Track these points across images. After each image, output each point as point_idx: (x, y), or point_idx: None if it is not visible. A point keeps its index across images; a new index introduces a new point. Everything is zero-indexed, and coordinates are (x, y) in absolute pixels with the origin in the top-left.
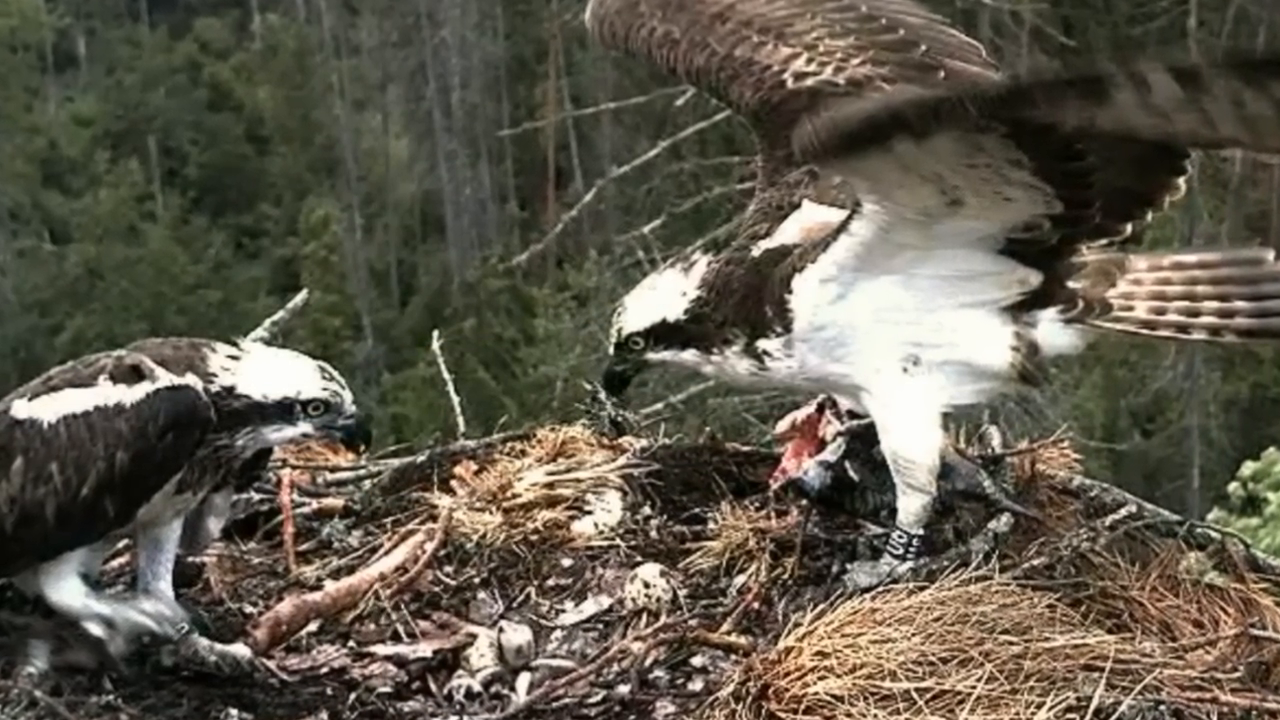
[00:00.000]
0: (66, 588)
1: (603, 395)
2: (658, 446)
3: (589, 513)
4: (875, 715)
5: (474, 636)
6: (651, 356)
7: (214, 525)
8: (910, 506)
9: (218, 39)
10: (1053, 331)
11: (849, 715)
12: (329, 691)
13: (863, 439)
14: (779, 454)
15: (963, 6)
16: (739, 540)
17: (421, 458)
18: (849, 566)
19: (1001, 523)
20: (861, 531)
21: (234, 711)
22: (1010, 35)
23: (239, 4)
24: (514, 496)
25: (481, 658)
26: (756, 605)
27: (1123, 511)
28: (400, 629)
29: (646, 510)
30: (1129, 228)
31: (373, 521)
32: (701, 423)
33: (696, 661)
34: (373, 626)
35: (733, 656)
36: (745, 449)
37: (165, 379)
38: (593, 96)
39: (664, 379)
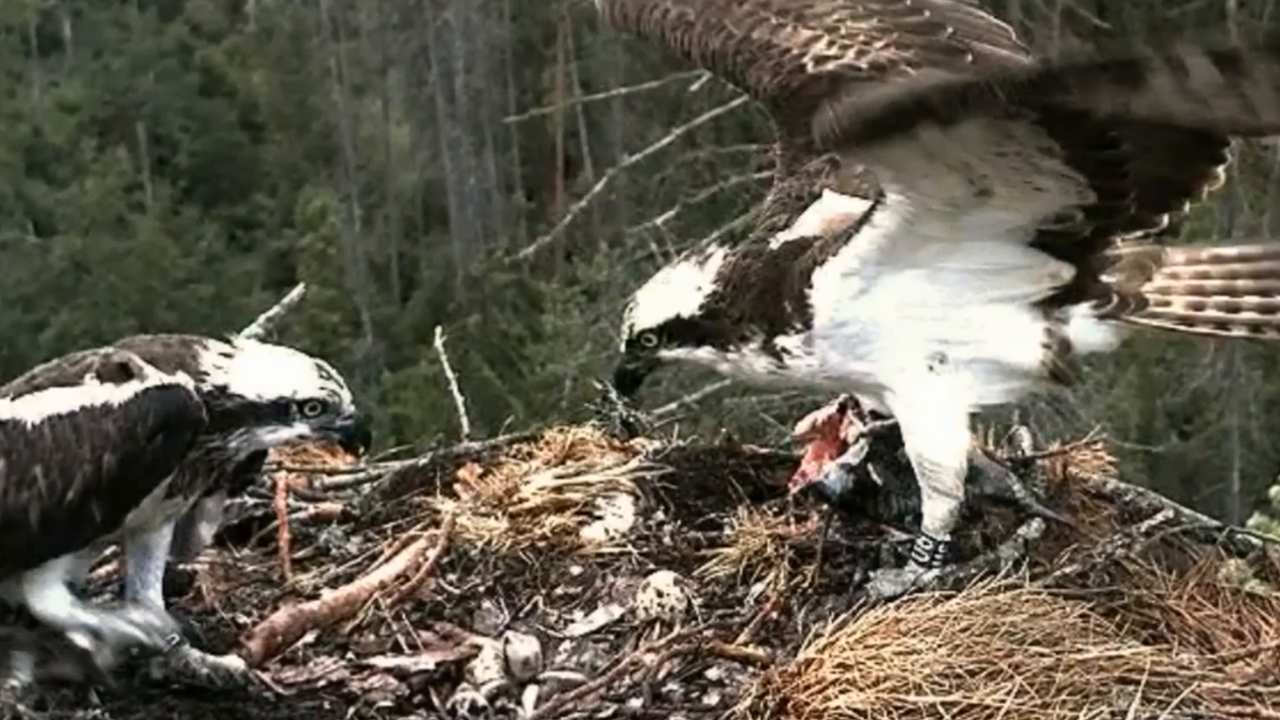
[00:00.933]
0: (51, 597)
1: (614, 395)
2: (671, 449)
3: (599, 518)
4: None
5: (479, 648)
6: (665, 354)
7: (206, 531)
8: (936, 511)
9: (210, 21)
10: (1085, 328)
11: None
12: (326, 705)
13: (886, 441)
14: (798, 456)
15: None
16: (756, 547)
17: (423, 460)
18: (872, 574)
19: (1032, 528)
20: (885, 538)
21: None
22: (1041, 17)
23: None
24: (520, 501)
25: (486, 670)
26: (775, 615)
27: (1159, 517)
28: (401, 640)
29: (659, 515)
30: (1165, 219)
31: (372, 527)
32: (717, 424)
33: (712, 674)
34: (372, 637)
35: (750, 669)
36: (763, 451)
37: (155, 378)
38: (603, 81)
39: (678, 378)
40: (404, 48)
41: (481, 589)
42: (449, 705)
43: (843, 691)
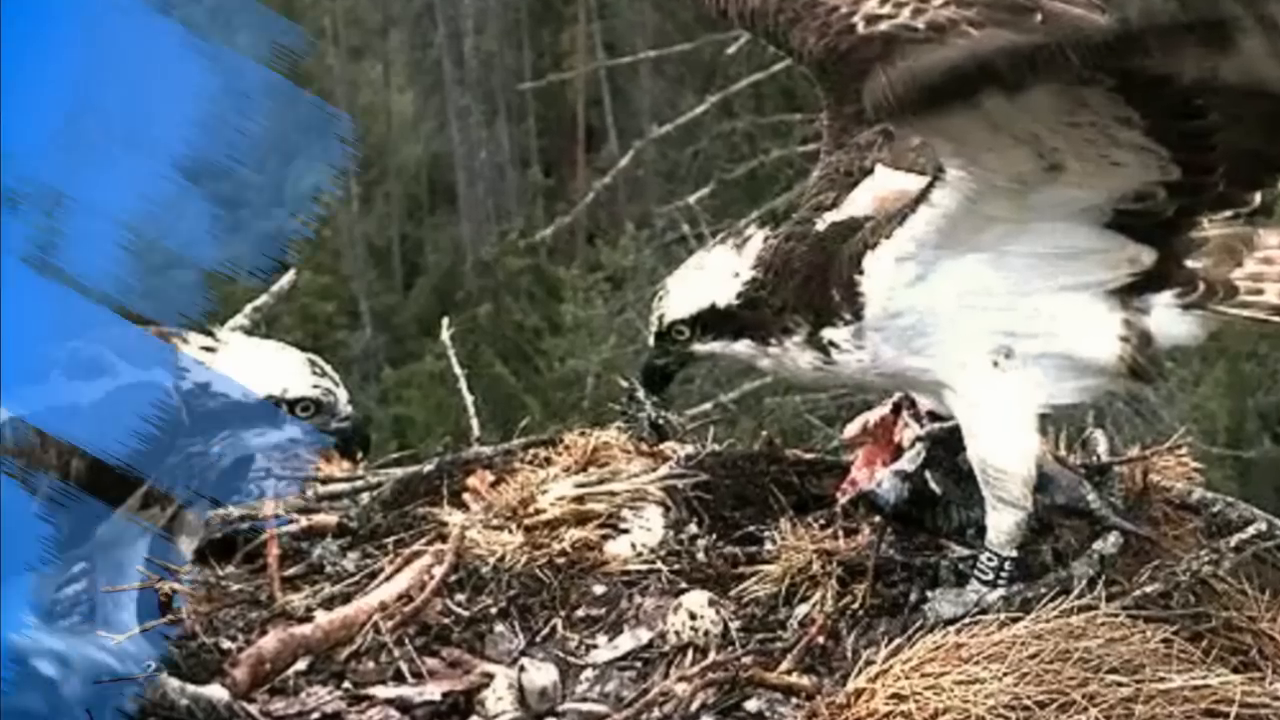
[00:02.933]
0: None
1: (641, 393)
2: (706, 454)
3: (625, 531)
4: None
5: (490, 676)
6: (698, 348)
7: (186, 546)
8: (1001, 524)
9: None
10: (1168, 319)
11: None
12: None
13: (946, 445)
14: (848, 463)
15: None
16: (801, 564)
17: (429, 467)
18: (930, 594)
19: (1108, 543)
20: (944, 553)
21: None
22: None
23: None
24: (537, 512)
25: (499, 701)
26: (821, 640)
27: (1250, 530)
28: (404, 668)
29: (692, 528)
30: (1257, 197)
31: (372, 542)
32: (757, 426)
33: (751, 706)
34: (372, 665)
35: (794, 700)
36: (808, 457)
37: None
38: (629, 43)
39: (713, 374)
40: (407, 6)
41: (494, 611)
42: None
43: None
